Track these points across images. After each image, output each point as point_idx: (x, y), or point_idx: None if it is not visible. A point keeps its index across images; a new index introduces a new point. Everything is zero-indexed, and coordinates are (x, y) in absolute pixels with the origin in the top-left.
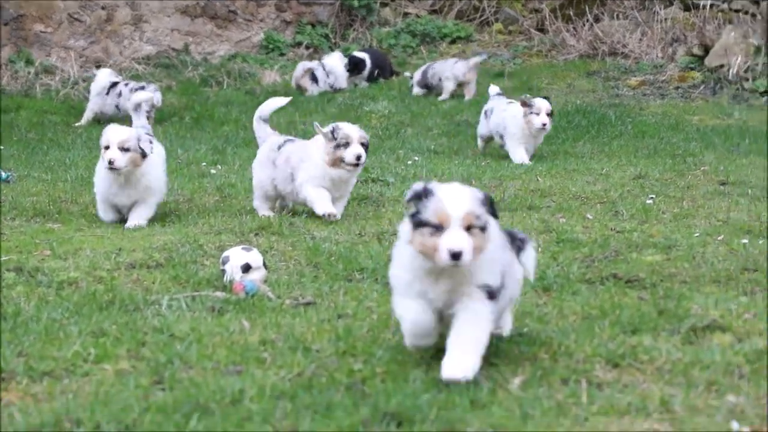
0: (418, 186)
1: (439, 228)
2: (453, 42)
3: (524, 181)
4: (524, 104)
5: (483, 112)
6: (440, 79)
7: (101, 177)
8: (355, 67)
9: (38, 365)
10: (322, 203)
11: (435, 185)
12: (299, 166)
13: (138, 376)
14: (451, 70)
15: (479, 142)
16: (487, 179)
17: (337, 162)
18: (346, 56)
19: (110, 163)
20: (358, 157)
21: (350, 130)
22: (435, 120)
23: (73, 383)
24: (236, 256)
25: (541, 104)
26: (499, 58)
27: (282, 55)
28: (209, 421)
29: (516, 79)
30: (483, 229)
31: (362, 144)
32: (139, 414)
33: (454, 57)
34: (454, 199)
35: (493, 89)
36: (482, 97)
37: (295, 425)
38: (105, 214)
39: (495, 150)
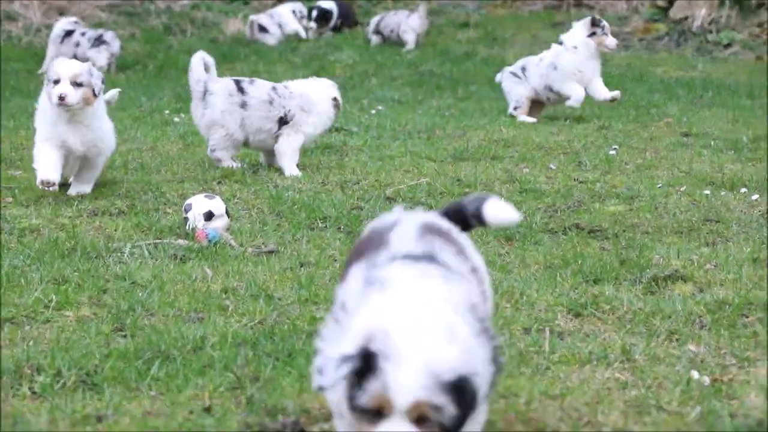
0: (357, 351)
1: (377, 414)
2: None
3: (488, 132)
4: (594, 23)
5: (512, 74)
6: (392, 31)
7: (46, 118)
8: (322, 17)
9: None
10: (295, 167)
11: (383, 347)
12: (300, 114)
13: (99, 323)
14: (406, 23)
15: (520, 109)
16: (451, 129)
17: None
18: (310, 6)
19: (61, 98)
20: None
21: None
22: (399, 70)
23: (35, 330)
24: (199, 203)
25: (607, 24)
26: (464, 8)
27: (246, 3)
28: (171, 368)
29: (481, 29)
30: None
31: None
32: (100, 360)
33: (403, 10)
34: (405, 377)
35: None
36: (445, 47)
37: (257, 372)
38: (44, 170)
39: (463, 103)
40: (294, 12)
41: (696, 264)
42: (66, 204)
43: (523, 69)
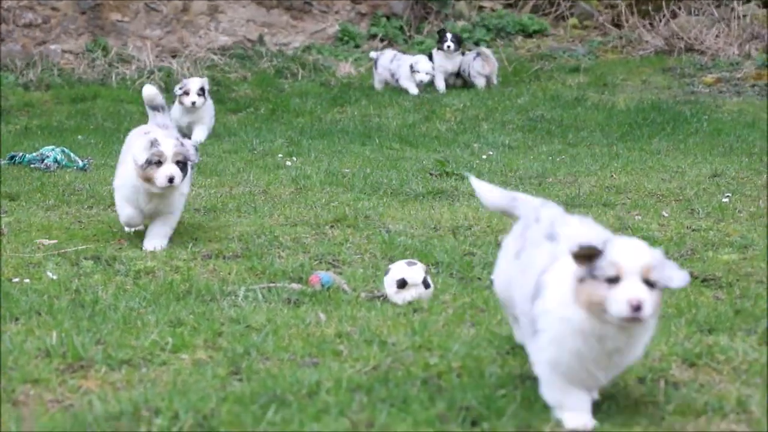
0: None
1: None
2: (528, 36)
3: (599, 178)
4: None
5: None
6: (464, 71)
7: None
8: (459, 42)
9: (116, 353)
10: None
11: None
12: None
13: (215, 366)
14: (472, 66)
15: None
16: (562, 175)
17: None
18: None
19: None
20: None
21: None
22: (510, 115)
23: (151, 372)
24: (396, 270)
25: None
26: (574, 53)
27: (357, 47)
28: (286, 413)
29: (591, 74)
30: None
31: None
32: (216, 404)
33: (472, 53)
34: None
35: None
36: (555, 92)
37: (371, 418)
38: None
39: (559, 147)
40: (412, 67)
41: None
42: (180, 246)
43: None
